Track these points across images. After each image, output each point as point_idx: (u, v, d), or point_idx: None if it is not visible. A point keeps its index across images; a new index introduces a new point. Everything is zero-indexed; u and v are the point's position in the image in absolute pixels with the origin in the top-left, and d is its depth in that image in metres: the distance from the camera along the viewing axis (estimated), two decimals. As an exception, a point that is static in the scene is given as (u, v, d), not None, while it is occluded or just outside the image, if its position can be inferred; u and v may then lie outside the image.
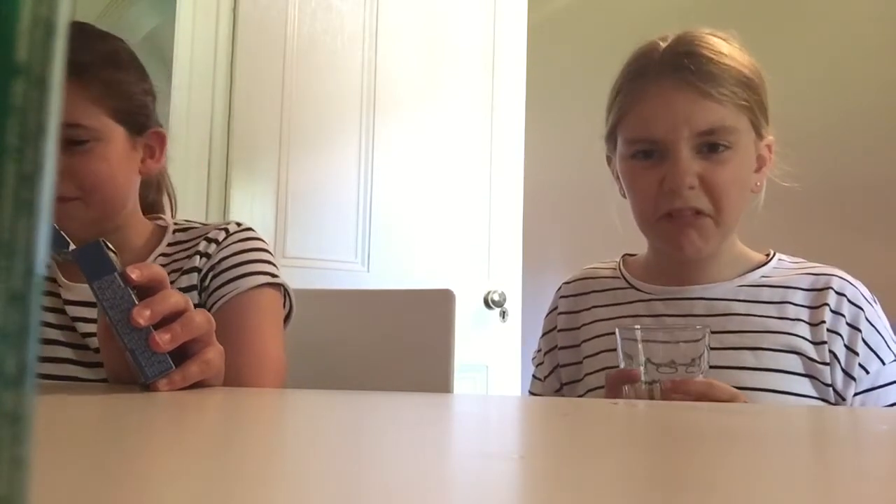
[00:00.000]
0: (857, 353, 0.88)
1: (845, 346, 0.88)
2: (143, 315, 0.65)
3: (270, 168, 2.01)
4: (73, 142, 0.90)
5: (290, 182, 2.03)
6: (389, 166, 2.17)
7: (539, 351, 1.09)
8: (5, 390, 0.14)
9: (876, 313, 0.91)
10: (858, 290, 0.91)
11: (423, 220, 2.20)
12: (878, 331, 0.90)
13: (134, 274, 0.67)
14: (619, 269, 1.04)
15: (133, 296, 0.67)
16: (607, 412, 0.60)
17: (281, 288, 0.97)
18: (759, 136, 0.93)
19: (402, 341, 1.20)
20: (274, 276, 0.95)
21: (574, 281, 1.07)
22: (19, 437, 0.14)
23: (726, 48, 0.91)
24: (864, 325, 0.89)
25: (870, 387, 0.88)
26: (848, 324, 0.89)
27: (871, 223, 1.76)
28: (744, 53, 0.93)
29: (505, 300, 2.28)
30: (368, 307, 1.26)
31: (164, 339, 0.66)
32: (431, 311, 1.20)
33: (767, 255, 0.99)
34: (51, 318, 0.92)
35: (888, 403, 0.89)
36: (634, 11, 2.28)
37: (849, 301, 0.90)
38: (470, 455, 0.37)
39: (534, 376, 1.10)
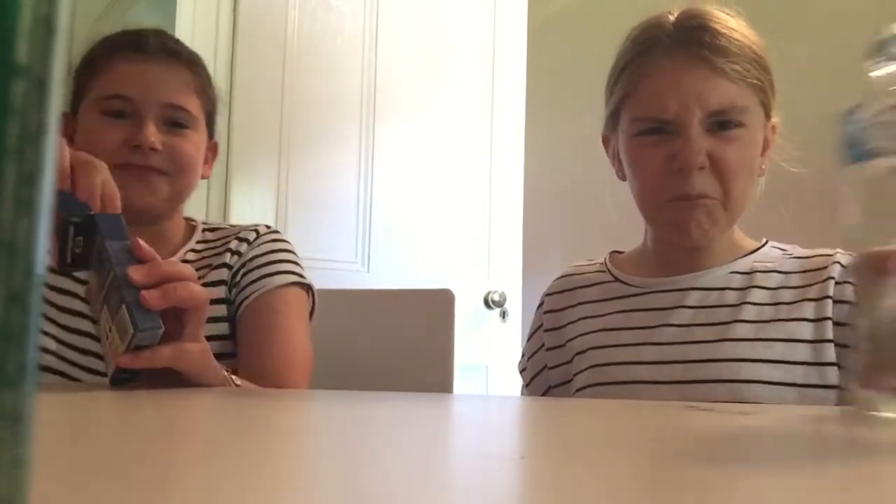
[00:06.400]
0: None
1: None
2: (140, 272, 0.68)
3: (270, 168, 2.01)
4: (177, 123, 0.97)
5: (290, 182, 2.03)
6: (389, 166, 2.17)
7: (523, 356, 1.07)
8: (5, 390, 0.14)
9: None
10: None
11: (423, 220, 2.20)
12: None
13: (141, 250, 0.70)
14: (606, 264, 1.01)
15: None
16: (607, 412, 0.60)
17: (307, 288, 1.02)
18: (768, 117, 0.90)
19: (402, 341, 1.20)
20: (301, 276, 1.01)
21: (560, 278, 1.04)
22: (19, 437, 0.14)
23: (736, 24, 0.89)
24: None
25: None
26: None
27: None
28: (752, 32, 0.90)
29: (505, 300, 2.28)
30: (368, 307, 1.26)
31: (154, 296, 0.67)
32: (431, 311, 1.20)
33: (760, 242, 0.96)
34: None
35: None
36: (634, 12, 2.27)
37: None
38: (470, 455, 0.37)
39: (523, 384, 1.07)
